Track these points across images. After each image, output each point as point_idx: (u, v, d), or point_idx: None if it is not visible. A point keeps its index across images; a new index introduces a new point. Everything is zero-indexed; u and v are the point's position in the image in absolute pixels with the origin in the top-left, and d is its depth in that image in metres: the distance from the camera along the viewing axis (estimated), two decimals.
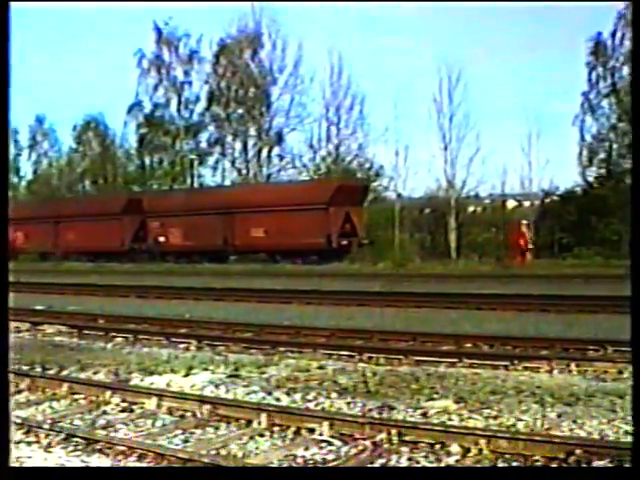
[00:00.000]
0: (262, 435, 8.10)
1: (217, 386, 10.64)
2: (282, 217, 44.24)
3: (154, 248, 50.21)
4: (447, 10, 74.01)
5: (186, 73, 64.08)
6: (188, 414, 9.01)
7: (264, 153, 61.41)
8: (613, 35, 49.92)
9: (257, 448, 7.71)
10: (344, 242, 44.30)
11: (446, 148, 55.26)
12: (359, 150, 58.89)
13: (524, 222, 42.66)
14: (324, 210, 43.84)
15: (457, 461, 7.09)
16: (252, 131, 61.51)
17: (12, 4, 4.70)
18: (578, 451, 6.95)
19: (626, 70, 49.83)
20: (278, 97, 61.13)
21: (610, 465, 6.57)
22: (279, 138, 61.49)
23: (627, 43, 49.59)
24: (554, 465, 6.73)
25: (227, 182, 61.66)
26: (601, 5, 59.06)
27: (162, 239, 50.21)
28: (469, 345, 14.33)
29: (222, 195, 50.25)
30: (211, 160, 64.29)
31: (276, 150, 61.67)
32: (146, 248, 50.92)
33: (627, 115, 48.89)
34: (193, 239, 48.49)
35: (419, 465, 7.01)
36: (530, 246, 41.40)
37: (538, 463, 6.95)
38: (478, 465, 6.86)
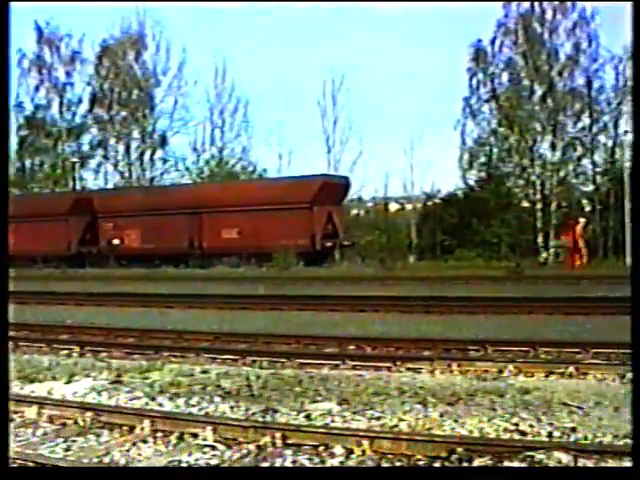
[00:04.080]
0: (145, 441, 8.02)
1: (99, 392, 10.49)
2: (259, 217, 41.58)
3: (107, 252, 46.59)
4: (333, 13, 74.41)
5: (68, 74, 62.87)
6: (70, 422, 8.87)
7: (147, 156, 60.77)
8: (493, 42, 50.92)
9: (140, 455, 7.63)
10: (328, 244, 42.17)
11: (329, 151, 55.68)
12: (243, 153, 58.90)
13: (582, 220, 40.42)
14: (308, 209, 41.47)
15: (341, 462, 7.15)
16: (135, 134, 60.82)
17: (12, 4, 4.63)
18: (460, 449, 7.07)
19: (505, 76, 50.93)
20: (162, 99, 60.64)
21: (610, 465, 6.63)
22: (163, 141, 60.94)
23: (506, 50, 50.71)
24: (554, 465, 6.75)
25: (110, 185, 60.58)
26: (482, 12, 60.33)
27: (116, 242, 46.69)
28: (352, 347, 14.45)
29: (187, 193, 47.08)
30: (93, 163, 63.08)
31: (159, 153, 61.09)
32: (98, 252, 47.42)
33: (507, 120, 49.92)
34: (153, 241, 45.13)
35: (419, 465, 6.99)
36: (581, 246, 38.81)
37: (420, 462, 7.05)
38: (478, 465, 6.86)
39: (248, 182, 51.45)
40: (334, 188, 43.43)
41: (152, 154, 60.92)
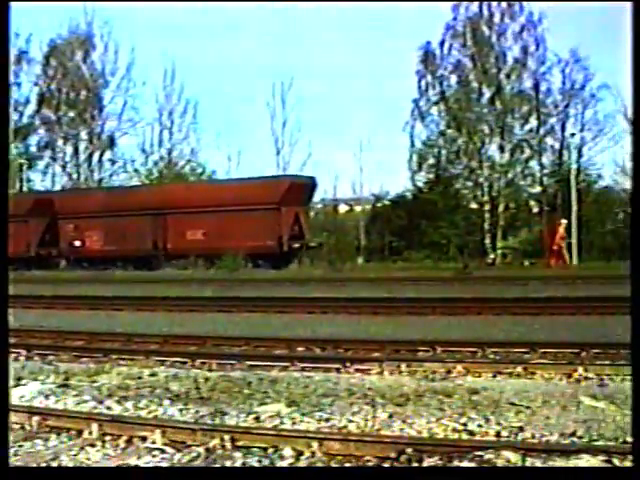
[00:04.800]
0: (93, 445, 7.94)
1: (47, 396, 10.38)
2: (225, 218, 41.18)
3: (68, 254, 45.87)
4: (282, 13, 74.37)
5: (15, 74, 62.20)
6: (16, 426, 8.76)
7: (96, 157, 60.31)
8: (441, 45, 51.22)
9: (88, 459, 7.57)
10: (296, 245, 41.80)
11: (278, 153, 55.68)
12: (192, 155, 58.68)
13: (563, 222, 40.80)
14: (276, 210, 41.13)
15: (290, 464, 7.14)
16: (83, 135, 60.31)
17: (12, 4, 4.57)
18: (409, 450, 7.09)
19: (454, 79, 51.21)
20: (110, 100, 60.22)
21: (610, 465, 6.65)
22: (111, 142, 60.48)
23: (454, 53, 51.00)
24: (554, 465, 6.76)
25: (57, 187, 60.00)
26: (431, 15, 60.60)
27: (78, 243, 45.65)
28: (301, 349, 14.45)
29: (151, 194, 46.32)
30: (41, 164, 62.40)
31: (108, 154, 60.64)
32: (58, 254, 46.76)
33: (455, 122, 50.22)
34: (116, 243, 44.31)
35: (419, 465, 6.97)
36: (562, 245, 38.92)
37: (370, 463, 7.06)
38: (478, 465, 6.85)
39: (214, 183, 50.71)
40: (301, 189, 43.28)
41: (100, 155, 60.50)
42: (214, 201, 41.78)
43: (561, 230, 38.33)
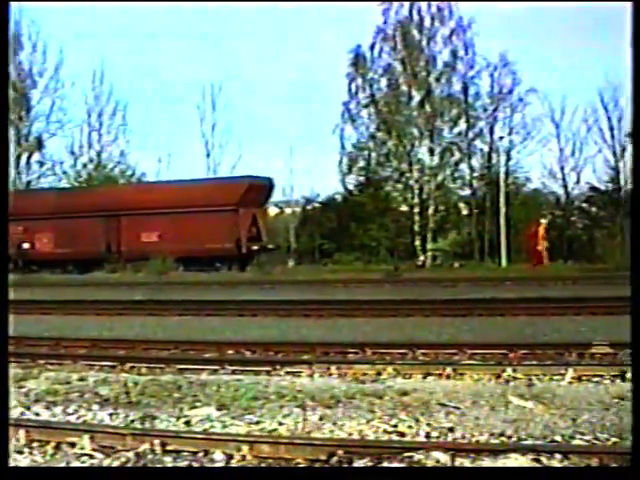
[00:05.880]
0: (21, 452, 7.83)
1: None
2: (181, 220, 40.40)
3: (16, 256, 43.15)
4: (213, 15, 74.08)
5: None
6: None
7: (23, 159, 59.43)
8: (372, 48, 51.39)
9: (16, 467, 7.45)
10: (255, 247, 41.19)
11: (209, 155, 55.48)
12: (121, 157, 58.11)
13: (543, 222, 40.70)
14: (234, 212, 40.54)
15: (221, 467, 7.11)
16: (11, 136, 59.39)
17: (12, 4, 4.46)
18: (340, 452, 7.10)
19: (384, 82, 51.42)
20: (38, 101, 59.22)
21: (610, 465, 6.65)
22: (39, 144, 59.55)
23: (385, 56, 51.20)
24: (554, 465, 6.75)
25: None
26: (362, 18, 60.82)
27: (26, 246, 44.10)
28: (231, 352, 14.42)
29: (105, 195, 45.01)
30: None
31: (36, 156, 59.69)
32: None
33: (385, 125, 50.43)
34: (67, 246, 43.01)
35: (419, 465, 6.93)
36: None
37: (301, 465, 7.06)
38: (478, 465, 6.83)
39: (170, 184, 48.56)
40: (259, 190, 42.89)
41: (28, 157, 59.54)
42: (170, 202, 40.97)
43: (541, 231, 38.50)
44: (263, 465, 7.10)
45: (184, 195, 41.64)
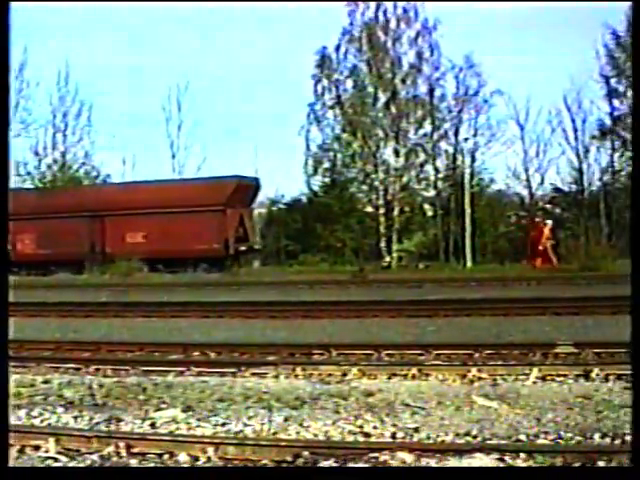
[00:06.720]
0: None
1: None
2: (167, 220, 39.48)
3: None
4: (180, 13, 73.88)
5: None
6: None
7: None
8: (337, 49, 51.37)
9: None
10: (242, 248, 40.67)
11: (174, 156, 55.29)
12: (86, 158, 57.64)
13: (548, 222, 39.48)
14: (221, 212, 39.81)
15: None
16: None
17: (12, 4, 4.42)
18: (305, 453, 7.11)
19: (350, 83, 51.42)
20: None
21: (610, 465, 6.66)
22: None
23: (351, 58, 51.22)
24: (554, 465, 6.74)
25: None
26: (327, 19, 60.90)
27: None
28: (197, 353, 14.39)
29: (89, 195, 44.23)
30: None
31: None
32: None
33: (350, 126, 50.44)
34: (50, 246, 41.84)
35: (419, 465, 6.91)
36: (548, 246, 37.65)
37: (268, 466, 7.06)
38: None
39: (156, 183, 47.19)
40: (246, 190, 42.47)
41: None
42: (156, 202, 40.21)
43: (546, 231, 38.37)
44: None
45: (170, 195, 40.98)
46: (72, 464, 7.38)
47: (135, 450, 7.52)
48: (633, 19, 6.26)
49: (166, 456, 7.37)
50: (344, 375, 11.60)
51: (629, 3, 47.36)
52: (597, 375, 10.79)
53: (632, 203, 5.35)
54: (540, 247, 37.19)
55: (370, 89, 50.77)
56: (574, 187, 53.27)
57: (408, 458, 6.89)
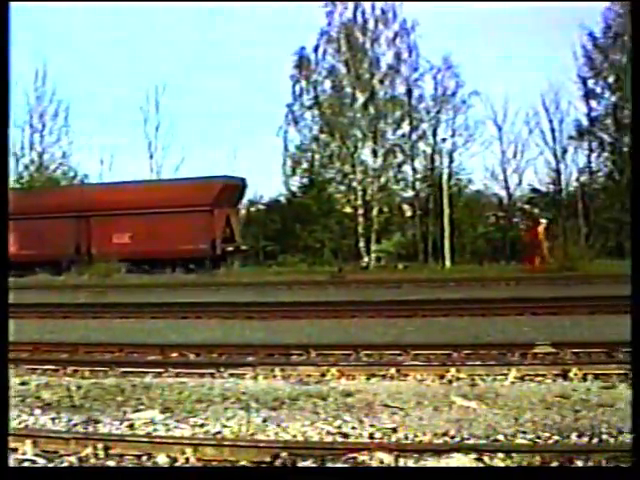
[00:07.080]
0: None
1: None
2: (154, 220, 39.32)
3: None
4: (156, 13, 73.71)
5: None
6: None
7: None
8: (316, 50, 51.41)
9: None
10: (229, 248, 40.50)
11: (152, 157, 55.22)
12: (63, 158, 57.47)
13: (543, 221, 39.49)
14: (208, 212, 39.65)
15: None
16: None
17: (12, 4, 4.38)
18: (284, 454, 7.11)
19: (328, 84, 51.47)
20: None
21: (610, 465, 6.65)
22: None
23: (329, 58, 51.28)
24: (554, 465, 6.73)
25: None
26: (306, 20, 60.92)
27: None
28: (175, 354, 14.35)
29: (74, 195, 43.73)
30: None
31: None
32: None
33: (328, 127, 50.53)
34: (34, 247, 41.02)
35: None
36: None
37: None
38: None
39: (142, 183, 47.30)
40: (233, 190, 42.37)
41: None
42: (142, 203, 40.03)
43: (541, 230, 38.29)
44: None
45: (157, 195, 40.89)
46: (50, 466, 7.35)
47: (113, 452, 7.49)
48: (633, 19, 6.25)
49: (144, 457, 7.35)
50: (323, 376, 11.59)
51: (605, 4, 47.91)
52: (575, 375, 10.82)
53: (632, 203, 5.36)
54: (540, 246, 37.23)
55: (348, 90, 50.87)
56: (552, 187, 53.52)
57: (386, 458, 6.89)
